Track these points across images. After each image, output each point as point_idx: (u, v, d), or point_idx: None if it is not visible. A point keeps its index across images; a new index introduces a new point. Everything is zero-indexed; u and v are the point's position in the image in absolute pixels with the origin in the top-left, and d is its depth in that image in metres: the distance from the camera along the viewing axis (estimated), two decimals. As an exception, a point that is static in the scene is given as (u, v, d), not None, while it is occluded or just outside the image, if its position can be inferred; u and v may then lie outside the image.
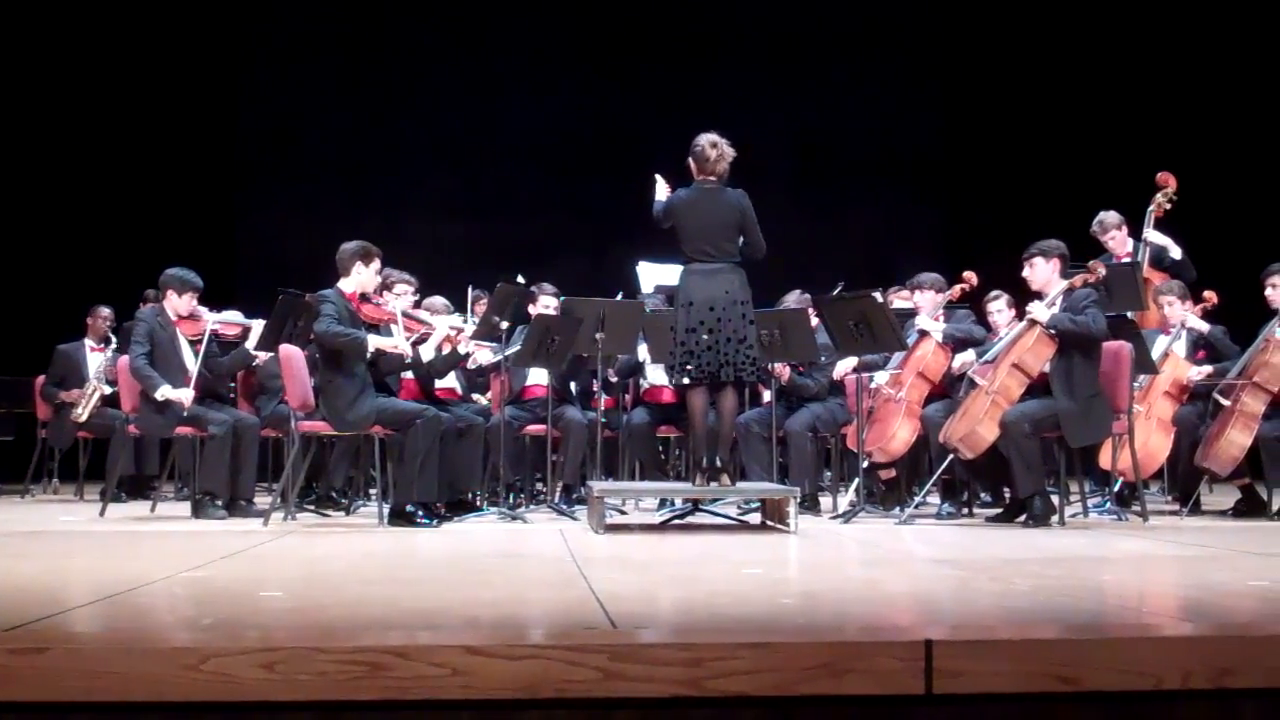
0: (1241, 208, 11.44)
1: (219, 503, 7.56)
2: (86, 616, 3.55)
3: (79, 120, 12.46)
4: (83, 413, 9.40)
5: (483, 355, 8.12)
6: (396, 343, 7.18)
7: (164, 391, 7.57)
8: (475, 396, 8.64)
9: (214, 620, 3.45)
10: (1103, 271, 7.12)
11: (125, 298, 9.83)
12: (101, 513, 7.77)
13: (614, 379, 8.43)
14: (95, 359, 9.74)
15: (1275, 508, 7.33)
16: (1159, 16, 12.41)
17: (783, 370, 7.89)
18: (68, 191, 12.38)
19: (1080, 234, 8.50)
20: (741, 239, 6.83)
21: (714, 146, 6.84)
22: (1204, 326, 7.84)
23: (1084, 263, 7.28)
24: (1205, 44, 12.18)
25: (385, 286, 7.73)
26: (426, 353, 7.42)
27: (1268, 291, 7.52)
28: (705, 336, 6.68)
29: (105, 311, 10.00)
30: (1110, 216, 8.64)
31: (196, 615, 3.62)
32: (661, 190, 6.98)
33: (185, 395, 7.58)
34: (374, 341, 7.07)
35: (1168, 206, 8.54)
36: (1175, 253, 8.52)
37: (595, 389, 8.20)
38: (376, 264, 7.32)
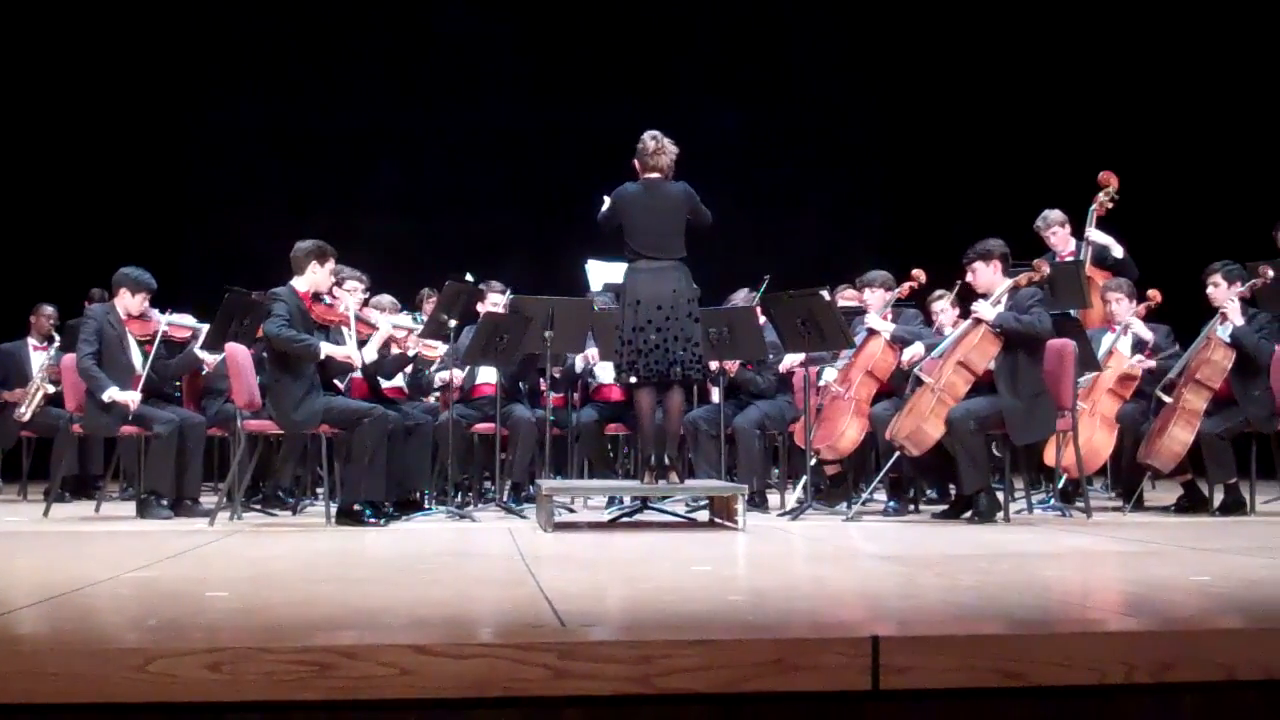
0: (1183, 206, 11.55)
1: (164, 502, 7.50)
2: (30, 617, 3.51)
3: (22, 118, 12.31)
4: (26, 412, 9.30)
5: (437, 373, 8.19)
6: (349, 352, 7.15)
7: (110, 393, 7.49)
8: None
9: (159, 621, 3.43)
10: (1047, 270, 7.18)
11: (69, 296, 9.73)
12: (45, 513, 7.69)
13: (559, 375, 8.42)
14: (38, 358, 9.63)
15: (1216, 504, 7.41)
16: (1103, 16, 12.53)
17: (732, 365, 7.92)
18: (10, 189, 12.23)
19: (1024, 231, 8.59)
20: (689, 222, 6.86)
21: (654, 139, 6.90)
22: (1148, 335, 7.87)
23: (1028, 261, 7.33)
24: (1147, 44, 12.30)
25: (335, 283, 7.67)
26: (370, 354, 7.38)
27: (1209, 290, 7.58)
28: (653, 336, 6.69)
29: (49, 310, 9.88)
30: (1054, 213, 8.77)
31: (142, 616, 3.59)
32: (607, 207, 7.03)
33: (131, 398, 7.51)
34: (326, 349, 7.04)
35: (1110, 205, 8.65)
36: (1117, 252, 8.63)
37: (543, 387, 8.19)
38: (331, 264, 7.27)
